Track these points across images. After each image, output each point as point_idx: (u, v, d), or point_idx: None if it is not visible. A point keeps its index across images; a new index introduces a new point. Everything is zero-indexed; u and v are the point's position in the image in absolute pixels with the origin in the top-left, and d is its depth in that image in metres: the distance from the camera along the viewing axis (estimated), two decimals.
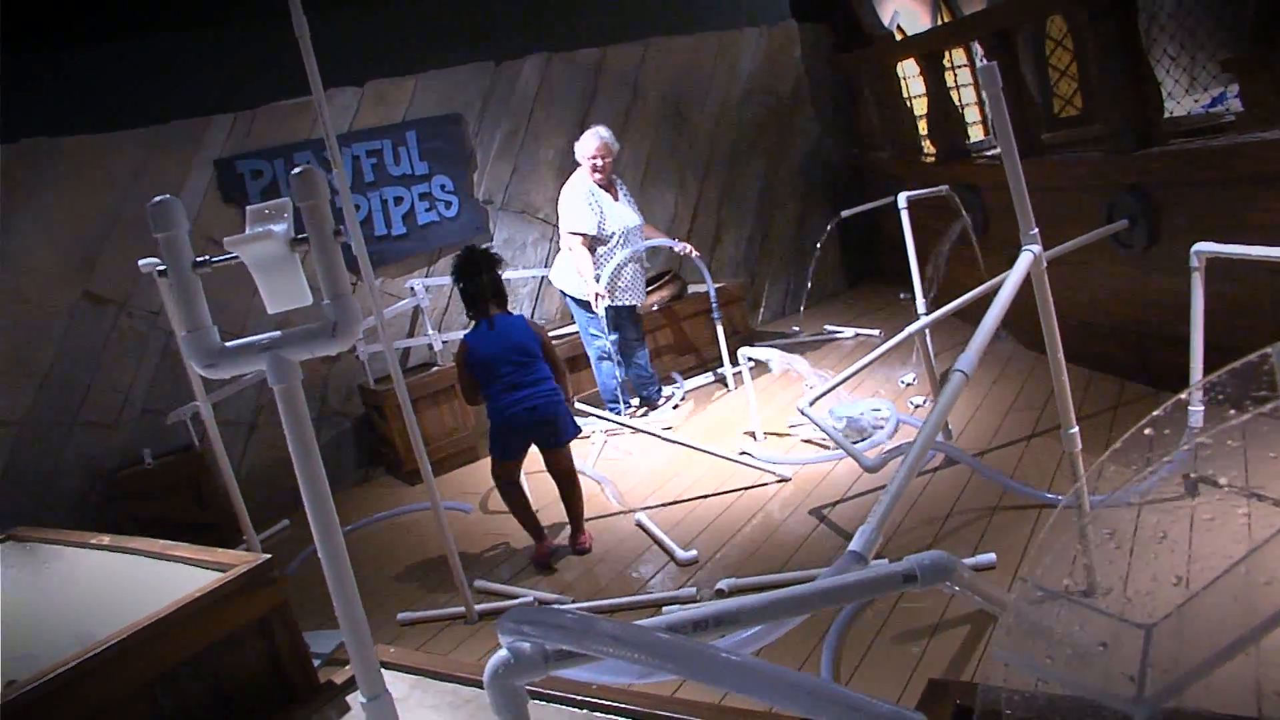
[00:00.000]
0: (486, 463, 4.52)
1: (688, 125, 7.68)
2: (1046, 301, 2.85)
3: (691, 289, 6.93)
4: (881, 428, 4.95)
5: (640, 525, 4.49)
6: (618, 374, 5.97)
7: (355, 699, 2.21)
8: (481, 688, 2.12)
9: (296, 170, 1.50)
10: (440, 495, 3.83)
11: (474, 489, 5.51)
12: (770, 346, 5.22)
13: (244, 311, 5.39)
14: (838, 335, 7.14)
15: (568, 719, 1.95)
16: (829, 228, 6.91)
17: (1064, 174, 4.96)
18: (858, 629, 3.21)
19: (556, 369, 4.27)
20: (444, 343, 6.12)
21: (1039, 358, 5.17)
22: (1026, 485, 3.94)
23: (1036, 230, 2.80)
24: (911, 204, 4.77)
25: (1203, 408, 2.69)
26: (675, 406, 6.22)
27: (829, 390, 4.33)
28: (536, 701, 1.97)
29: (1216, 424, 1.40)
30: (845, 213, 6.23)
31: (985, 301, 2.83)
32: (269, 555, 2.45)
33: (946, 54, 6.71)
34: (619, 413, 6.04)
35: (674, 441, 5.05)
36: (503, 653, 1.26)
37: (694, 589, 3.76)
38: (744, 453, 5.02)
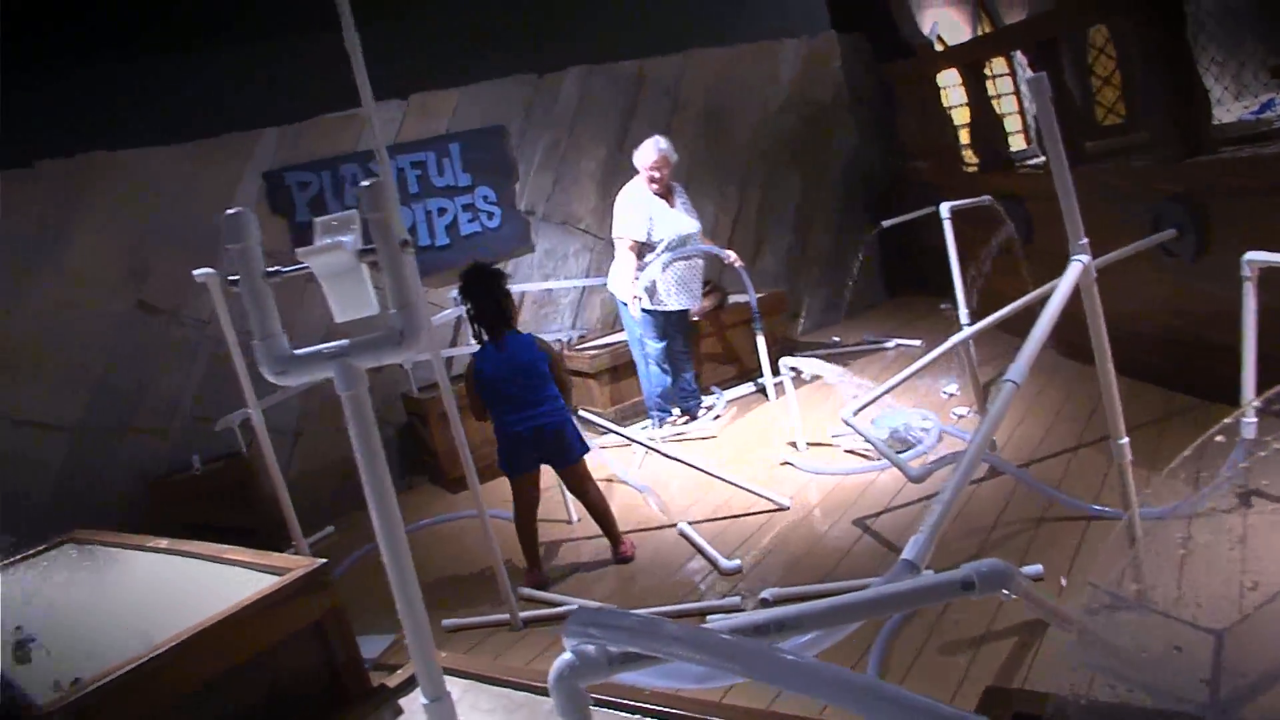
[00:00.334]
0: None
1: (727, 136, 7.70)
2: (1096, 312, 2.83)
3: (732, 299, 6.94)
4: (922, 440, 4.93)
5: (683, 534, 4.50)
6: (665, 382, 5.99)
7: (408, 702, 2.23)
8: (533, 692, 2.16)
9: (365, 183, 1.54)
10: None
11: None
12: (812, 357, 5.21)
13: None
14: (879, 346, 7.11)
15: None
16: (874, 233, 6.89)
17: (1109, 183, 4.91)
18: (902, 641, 3.20)
19: (563, 388, 4.25)
20: None
21: (1081, 368, 5.11)
22: (1074, 498, 3.91)
23: (1086, 240, 2.79)
24: (952, 214, 4.76)
25: (1256, 420, 2.66)
26: (716, 417, 6.22)
27: (873, 400, 4.31)
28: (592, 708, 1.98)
29: (1272, 436, 1.39)
30: (886, 222, 6.21)
31: (1027, 311, 2.82)
32: (325, 560, 2.50)
33: (987, 63, 6.68)
34: (663, 421, 6.06)
35: (672, 458, 4.95)
36: (568, 655, 1.27)
37: (738, 597, 3.77)
38: (785, 463, 5.00)
